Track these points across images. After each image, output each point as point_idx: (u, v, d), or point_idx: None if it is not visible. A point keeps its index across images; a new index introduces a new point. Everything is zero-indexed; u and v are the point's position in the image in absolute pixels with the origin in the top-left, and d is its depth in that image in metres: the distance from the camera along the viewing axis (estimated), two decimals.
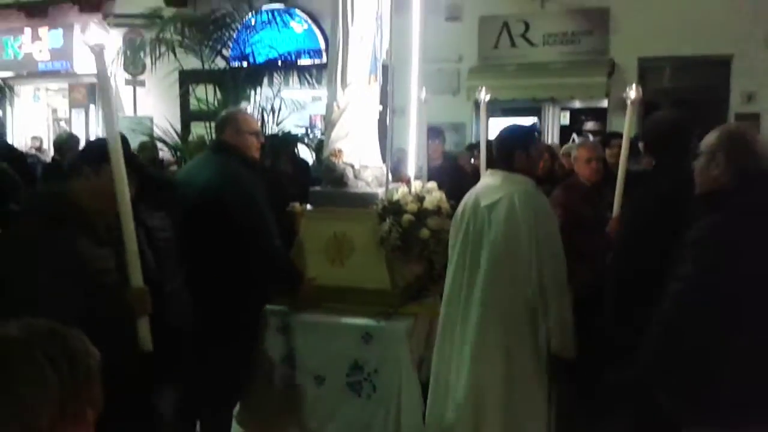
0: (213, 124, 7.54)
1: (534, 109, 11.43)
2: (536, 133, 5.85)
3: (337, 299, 3.93)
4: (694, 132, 3.27)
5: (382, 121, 4.37)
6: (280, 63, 8.53)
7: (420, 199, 4.08)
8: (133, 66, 11.83)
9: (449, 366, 3.50)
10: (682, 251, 2.43)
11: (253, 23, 8.19)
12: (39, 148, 12.82)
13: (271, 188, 4.15)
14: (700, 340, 2.38)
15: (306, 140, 8.26)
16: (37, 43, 13.74)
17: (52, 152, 9.22)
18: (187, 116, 10.07)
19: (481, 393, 3.38)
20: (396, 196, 4.02)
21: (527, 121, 11.18)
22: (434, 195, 4.16)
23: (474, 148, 6.69)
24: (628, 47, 10.22)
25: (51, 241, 2.53)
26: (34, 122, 15.05)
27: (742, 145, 2.49)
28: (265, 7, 9.11)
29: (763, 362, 2.34)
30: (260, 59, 8.36)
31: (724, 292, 2.33)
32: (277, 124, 7.97)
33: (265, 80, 8.25)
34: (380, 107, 4.32)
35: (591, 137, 10.94)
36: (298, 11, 11.29)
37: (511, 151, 3.46)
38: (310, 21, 11.55)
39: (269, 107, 8.10)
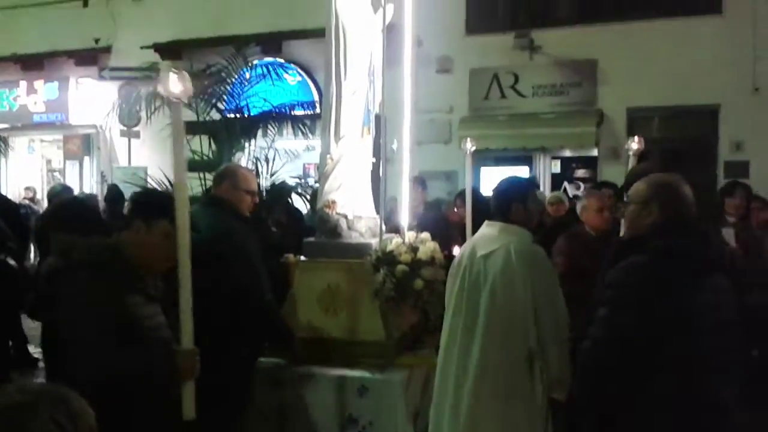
0: (207, 175, 7.66)
1: (525, 158, 11.55)
2: (535, 186, 5.89)
3: (331, 351, 3.91)
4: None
5: (375, 172, 4.42)
6: (274, 114, 8.63)
7: (414, 249, 4.09)
8: (129, 118, 11.95)
9: (447, 416, 3.46)
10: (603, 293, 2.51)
11: (247, 77, 8.30)
12: (32, 199, 12.82)
13: (264, 239, 4.16)
14: (621, 380, 2.43)
15: (299, 190, 8.30)
16: (33, 95, 13.87)
17: (45, 203, 9.24)
18: None
19: None
20: (390, 247, 4.04)
21: (519, 169, 11.31)
22: (428, 245, 4.18)
23: (458, 197, 6.72)
24: (616, 98, 10.42)
25: (100, 294, 2.43)
26: (29, 173, 15.09)
27: (673, 194, 2.60)
28: (259, 60, 9.26)
29: (687, 403, 2.37)
30: (254, 111, 8.45)
31: (641, 333, 2.37)
32: (271, 175, 8.01)
33: (260, 131, 8.33)
34: (373, 159, 4.37)
35: (582, 185, 11.06)
36: (291, 64, 11.48)
37: (509, 203, 3.50)
38: (303, 74, 11.74)
39: (263, 157, 8.17)
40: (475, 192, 5.37)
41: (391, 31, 4.38)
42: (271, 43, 11.47)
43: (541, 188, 11.10)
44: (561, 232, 5.40)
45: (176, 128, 2.51)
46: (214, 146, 8.01)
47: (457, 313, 3.47)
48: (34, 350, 7.11)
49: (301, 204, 8.35)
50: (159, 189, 7.94)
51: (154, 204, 2.68)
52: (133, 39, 12.50)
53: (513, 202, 3.49)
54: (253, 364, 3.90)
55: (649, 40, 10.07)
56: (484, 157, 11.35)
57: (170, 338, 2.59)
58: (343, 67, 4.05)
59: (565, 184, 11.26)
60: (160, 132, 8.78)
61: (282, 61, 11.27)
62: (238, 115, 8.24)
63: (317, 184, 4.97)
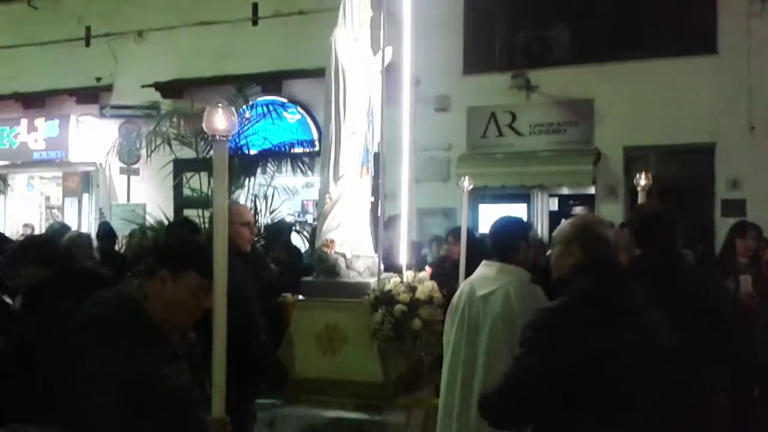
0: (205, 212, 7.67)
1: (523, 196, 11.59)
2: (530, 227, 5.88)
3: (328, 392, 3.88)
4: (678, 224, 3.35)
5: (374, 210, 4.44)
6: (273, 152, 8.68)
7: (412, 288, 4.09)
8: (129, 156, 12.02)
9: None
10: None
11: (248, 116, 8.38)
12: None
13: (263, 277, 4.16)
14: (536, 420, 2.49)
15: (297, 226, 8.32)
16: (33, 133, 13.95)
17: None
18: (180, 203, 10.17)
19: None
20: (388, 286, 4.04)
21: (517, 207, 11.35)
22: (426, 284, 4.18)
23: (451, 234, 6.70)
24: (612, 137, 10.50)
25: (116, 357, 2.12)
26: (27, 210, 15.09)
27: (595, 235, 2.65)
28: (259, 99, 9.35)
29: None
30: (254, 149, 8.51)
31: (550, 376, 2.41)
32: (270, 213, 8.03)
33: (259, 169, 8.38)
34: (372, 198, 4.39)
35: None
36: (291, 103, 11.59)
37: (507, 244, 3.52)
38: (303, 112, 11.83)
39: (262, 195, 8.20)
40: (469, 231, 5.38)
41: (390, 71, 4.43)
42: (272, 82, 11.58)
43: (539, 225, 11.15)
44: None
45: (219, 166, 2.28)
46: (212, 183, 8.04)
47: (457, 352, 3.46)
48: None
49: (299, 241, 8.37)
50: (156, 227, 7.97)
51: (183, 252, 2.38)
52: (135, 77, 12.63)
53: (512, 242, 3.52)
54: (249, 402, 3.85)
55: (645, 79, 10.19)
56: (482, 194, 11.40)
57: (197, 399, 2.34)
58: (342, 108, 4.10)
59: (563, 221, 11.26)
60: (160, 170, 8.85)
61: (282, 100, 11.37)
62: (237, 153, 8.30)
63: (316, 222, 4.98)
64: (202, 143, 7.99)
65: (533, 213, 11.51)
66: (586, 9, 10.91)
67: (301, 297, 4.26)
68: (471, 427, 3.33)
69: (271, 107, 8.70)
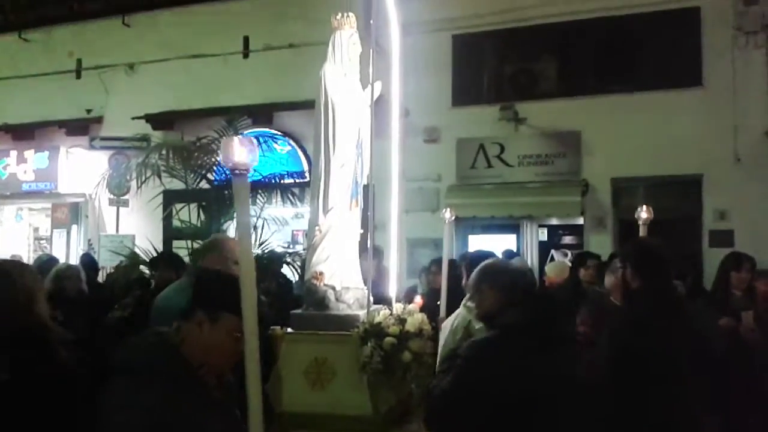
0: (193, 243, 7.66)
1: (512, 226, 11.63)
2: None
3: (317, 426, 3.84)
4: (672, 258, 3.51)
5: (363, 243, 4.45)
6: (263, 184, 8.69)
7: (401, 321, 4.07)
8: (118, 187, 12.01)
9: None
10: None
11: None
12: None
13: None
14: None
15: (287, 257, 8.30)
16: (23, 164, 13.92)
17: None
18: (170, 235, 10.14)
19: None
20: (377, 319, 4.02)
21: (506, 237, 11.39)
22: (416, 317, 4.17)
23: (433, 263, 6.70)
24: (600, 168, 10.59)
25: (153, 404, 2.03)
26: (15, 241, 15.00)
27: (501, 274, 2.87)
28: (249, 131, 9.39)
29: None
30: None
31: (475, 406, 2.55)
32: (260, 244, 8.01)
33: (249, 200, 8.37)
34: (361, 230, 4.40)
35: (569, 253, 11.12)
36: (281, 134, 11.64)
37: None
38: (293, 143, 11.88)
39: (252, 225, 8.18)
40: (452, 261, 5.38)
41: (379, 103, 4.47)
42: (262, 114, 11.64)
43: (529, 256, 11.18)
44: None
45: (241, 200, 2.15)
46: (202, 215, 8.03)
47: None
48: None
49: (290, 272, 8.34)
50: (145, 258, 7.92)
51: (219, 294, 2.26)
52: (125, 109, 12.67)
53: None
54: None
55: (632, 112, 10.31)
56: (471, 225, 11.46)
57: None
58: (331, 142, 4.12)
59: (553, 252, 11.32)
60: (149, 202, 8.84)
61: (273, 131, 11.42)
62: (227, 184, 8.31)
63: (305, 251, 4.98)
64: (192, 175, 8.00)
65: (523, 243, 11.54)
66: (573, 43, 11.08)
67: (289, 330, 4.23)
68: None
69: (261, 139, 8.72)
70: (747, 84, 9.90)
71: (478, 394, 2.54)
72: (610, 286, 4.80)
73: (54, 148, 13.70)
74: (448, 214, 4.87)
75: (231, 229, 8.42)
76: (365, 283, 4.31)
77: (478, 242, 11.30)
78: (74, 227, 13.83)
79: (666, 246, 3.65)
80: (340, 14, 4.39)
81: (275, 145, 10.62)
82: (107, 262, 11.01)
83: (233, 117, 8.77)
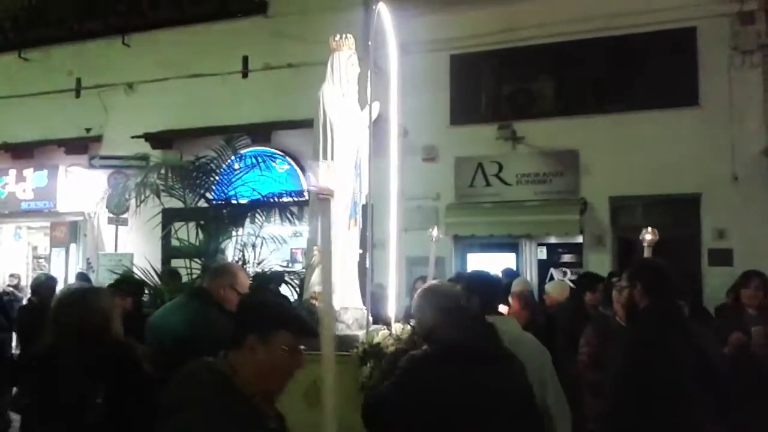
0: (191, 262, 7.64)
1: (511, 245, 11.62)
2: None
3: None
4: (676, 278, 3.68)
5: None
6: (262, 202, 8.68)
7: (400, 341, 4.06)
8: (117, 206, 12.00)
9: None
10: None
11: (236, 167, 8.41)
12: (16, 286, 12.68)
13: None
14: None
15: (287, 278, 8.28)
16: (21, 183, 13.94)
17: (29, 291, 9.14)
18: (168, 253, 10.13)
19: None
20: (377, 339, 4.01)
21: (505, 256, 11.38)
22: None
23: (419, 279, 6.70)
24: (598, 187, 10.60)
25: None
26: (14, 260, 14.98)
27: (441, 296, 3.04)
28: (248, 150, 9.40)
29: None
30: (243, 200, 8.52)
31: (406, 409, 2.74)
32: (259, 263, 8.00)
33: (247, 219, 8.37)
34: (360, 250, 4.40)
35: (567, 272, 11.12)
36: (280, 153, 11.67)
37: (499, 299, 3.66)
38: (292, 162, 11.91)
39: (250, 244, 8.18)
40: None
41: (378, 122, 4.49)
42: (261, 132, 11.67)
43: (529, 274, 11.16)
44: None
45: (324, 224, 2.10)
46: (201, 234, 8.02)
47: None
48: None
49: (288, 291, 8.31)
50: (143, 278, 7.89)
51: (270, 312, 2.23)
52: (124, 128, 12.71)
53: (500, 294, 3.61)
54: None
55: (629, 131, 10.35)
56: (470, 243, 11.46)
57: None
58: (330, 159, 4.14)
59: (552, 271, 11.32)
60: (148, 221, 8.84)
61: (271, 150, 11.45)
62: (226, 204, 8.31)
63: (304, 270, 4.98)
64: (191, 194, 8.00)
65: (522, 262, 11.53)
66: (570, 62, 11.15)
67: None
68: None
69: (260, 158, 8.73)
70: (744, 103, 9.94)
71: (410, 402, 2.71)
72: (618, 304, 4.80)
73: (53, 166, 13.73)
74: (435, 233, 4.88)
75: (229, 248, 8.42)
76: (364, 303, 4.31)
77: (477, 261, 11.29)
78: (73, 246, 13.82)
79: (669, 267, 3.74)
80: (338, 36, 4.43)
81: (274, 164, 10.63)
82: (106, 280, 10.96)
83: (232, 136, 8.79)
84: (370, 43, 4.49)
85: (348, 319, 4.20)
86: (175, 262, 8.46)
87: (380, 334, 4.07)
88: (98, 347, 3.03)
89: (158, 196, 8.16)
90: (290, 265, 10.90)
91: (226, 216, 8.06)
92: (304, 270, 5.35)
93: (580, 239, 10.95)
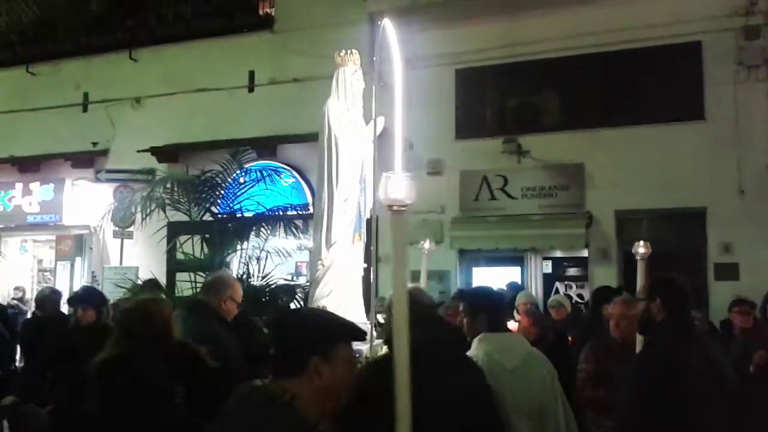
0: (196, 276, 7.64)
1: (516, 259, 11.59)
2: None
3: None
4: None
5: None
6: (267, 216, 8.69)
7: None
8: (123, 220, 12.02)
9: None
10: None
11: (242, 181, 8.43)
12: (21, 299, 12.71)
13: (252, 342, 4.12)
14: None
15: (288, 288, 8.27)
16: (28, 196, 14.00)
17: (33, 305, 9.15)
18: (173, 267, 10.13)
19: None
20: (381, 353, 3.99)
21: (510, 270, 11.34)
22: None
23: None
24: (604, 200, 10.57)
25: None
26: (19, 273, 15.01)
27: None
28: (253, 164, 9.42)
29: None
30: (248, 213, 8.53)
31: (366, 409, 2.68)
32: (263, 277, 8.00)
33: (252, 232, 8.38)
34: (364, 264, 4.40)
35: (573, 285, 11.09)
36: (285, 166, 11.69)
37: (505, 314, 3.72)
38: (297, 175, 11.93)
39: (255, 257, 8.18)
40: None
41: (383, 135, 4.49)
42: (266, 146, 11.72)
43: (534, 288, 11.12)
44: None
45: (398, 237, 1.98)
46: (206, 248, 8.03)
47: None
48: None
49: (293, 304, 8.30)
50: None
51: (328, 327, 2.10)
52: (131, 142, 12.77)
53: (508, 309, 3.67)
54: None
55: (635, 145, 10.34)
56: (475, 257, 11.44)
57: None
58: (335, 176, 4.16)
59: (557, 284, 11.28)
60: (153, 234, 8.84)
61: (276, 163, 11.47)
62: (231, 217, 8.31)
63: (308, 284, 4.97)
64: (196, 208, 8.02)
65: (527, 276, 11.49)
66: (575, 76, 11.14)
67: None
68: None
69: (265, 172, 8.75)
70: (749, 117, 9.92)
71: (370, 407, 2.67)
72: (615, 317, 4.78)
73: (59, 180, 13.80)
74: (426, 245, 4.84)
75: (234, 262, 8.42)
76: (368, 317, 4.30)
77: (482, 274, 11.27)
78: (78, 259, 13.84)
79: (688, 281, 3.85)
80: (344, 51, 4.45)
81: (279, 178, 10.65)
82: (111, 294, 10.94)
83: (237, 150, 8.81)
84: (375, 58, 4.51)
85: None
86: (180, 276, 8.46)
87: (384, 348, 4.04)
88: (169, 350, 3.28)
89: (164, 210, 8.18)
90: (295, 278, 10.88)
91: (231, 229, 8.06)
92: (308, 284, 5.34)
93: (585, 253, 10.92)
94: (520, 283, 10.59)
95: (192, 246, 8.02)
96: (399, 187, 1.92)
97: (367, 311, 4.36)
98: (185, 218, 8.25)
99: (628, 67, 10.76)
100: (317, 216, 4.29)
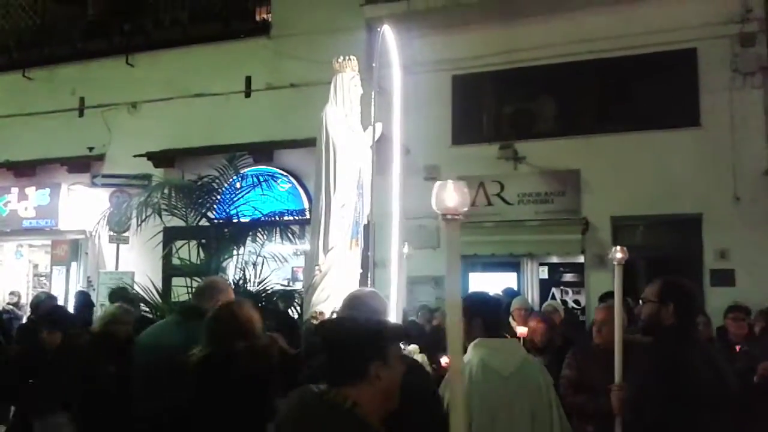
0: (192, 281, 7.63)
1: (513, 264, 11.61)
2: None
3: None
4: None
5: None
6: (263, 221, 8.69)
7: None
8: (119, 225, 12.00)
9: None
10: None
11: (238, 186, 8.43)
12: (16, 304, 12.66)
13: None
14: None
15: (285, 293, 8.27)
16: (23, 201, 13.96)
17: (29, 310, 9.12)
18: (169, 272, 10.12)
19: None
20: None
21: (507, 276, 11.36)
22: (416, 358, 4.14)
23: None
24: (599, 206, 10.60)
25: None
26: (15, 278, 14.96)
27: (360, 302, 3.05)
28: (250, 169, 9.42)
29: None
30: (244, 219, 8.53)
31: None
32: (260, 283, 7.99)
33: (249, 238, 8.38)
34: (361, 270, 4.39)
35: (569, 291, 11.11)
36: (282, 172, 11.69)
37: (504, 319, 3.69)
38: (294, 181, 11.93)
39: (251, 262, 8.17)
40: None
41: (380, 141, 4.50)
42: (263, 152, 11.69)
43: (530, 294, 11.14)
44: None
45: (451, 246, 1.86)
46: (202, 253, 8.02)
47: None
48: None
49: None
50: (144, 296, 7.85)
51: (378, 333, 2.06)
52: (127, 147, 12.74)
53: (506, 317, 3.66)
54: None
55: (630, 151, 10.38)
56: (472, 263, 11.43)
57: None
58: (332, 182, 4.16)
59: (553, 290, 11.30)
60: (149, 240, 8.84)
61: (273, 169, 11.48)
62: (227, 222, 8.31)
63: (303, 289, 4.96)
64: (192, 213, 8.01)
65: (523, 281, 11.51)
66: (572, 83, 11.18)
67: None
68: None
69: (261, 177, 8.75)
70: (745, 124, 9.97)
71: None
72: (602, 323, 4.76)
73: (55, 185, 13.76)
74: (406, 249, 4.81)
75: (230, 267, 8.41)
76: None
77: (478, 280, 11.28)
78: (74, 264, 13.80)
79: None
80: (341, 57, 4.46)
81: (275, 183, 10.65)
82: (106, 299, 10.96)
83: (234, 155, 8.81)
84: (375, 64, 4.52)
85: None
86: (176, 281, 8.44)
87: None
88: (260, 346, 3.33)
89: (160, 215, 8.16)
90: (291, 283, 10.88)
91: (228, 235, 8.06)
92: (304, 290, 5.33)
93: (581, 259, 10.94)
94: (516, 288, 10.60)
95: (188, 251, 8.02)
96: (452, 194, 1.83)
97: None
98: (181, 223, 8.24)
99: (624, 73, 10.80)
100: (314, 221, 4.29)
